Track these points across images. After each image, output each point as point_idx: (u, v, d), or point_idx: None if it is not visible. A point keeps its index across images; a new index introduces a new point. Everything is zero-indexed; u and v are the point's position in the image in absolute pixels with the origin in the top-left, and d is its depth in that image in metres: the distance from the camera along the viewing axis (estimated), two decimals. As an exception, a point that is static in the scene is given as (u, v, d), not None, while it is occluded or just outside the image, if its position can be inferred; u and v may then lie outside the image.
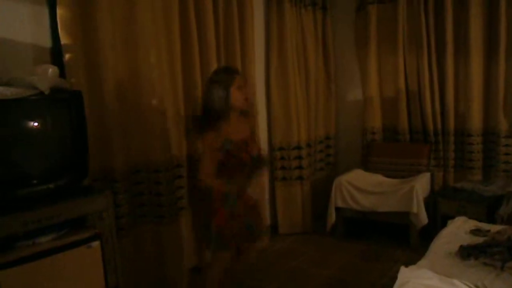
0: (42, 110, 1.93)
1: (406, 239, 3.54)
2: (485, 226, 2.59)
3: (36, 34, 2.25)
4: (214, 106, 2.23)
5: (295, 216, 4.03)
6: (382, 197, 3.58)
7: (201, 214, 2.42)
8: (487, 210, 3.33)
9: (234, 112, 2.29)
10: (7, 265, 1.67)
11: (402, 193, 3.49)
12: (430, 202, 3.73)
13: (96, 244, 1.96)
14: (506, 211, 3.12)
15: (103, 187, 2.37)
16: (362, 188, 3.69)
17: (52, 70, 1.99)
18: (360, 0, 4.30)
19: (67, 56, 2.27)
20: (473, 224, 2.65)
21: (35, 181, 1.85)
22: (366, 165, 4.23)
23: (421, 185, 3.58)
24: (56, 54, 2.29)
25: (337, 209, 3.78)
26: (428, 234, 3.16)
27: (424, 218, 3.44)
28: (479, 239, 2.31)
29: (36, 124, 1.92)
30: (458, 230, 2.55)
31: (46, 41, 2.29)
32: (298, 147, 4.00)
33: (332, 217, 3.77)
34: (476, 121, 3.83)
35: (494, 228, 2.52)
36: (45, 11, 2.28)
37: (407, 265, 2.03)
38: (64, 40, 2.26)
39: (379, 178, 4.01)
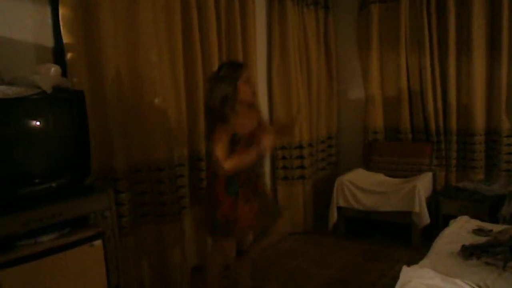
0: (44, 109, 1.94)
1: (408, 239, 3.54)
2: (487, 225, 2.59)
3: (38, 34, 2.25)
4: (222, 103, 2.20)
5: (296, 215, 4.03)
6: (384, 197, 3.57)
7: (207, 203, 2.44)
8: (489, 209, 3.33)
9: (242, 106, 2.29)
10: (9, 264, 1.67)
11: (404, 192, 3.48)
12: (432, 202, 3.72)
13: (98, 242, 1.96)
14: (509, 210, 3.11)
15: (105, 186, 2.38)
16: (364, 188, 3.68)
17: (54, 69, 1.99)
18: (362, -1, 4.29)
19: (69, 56, 2.28)
20: (475, 223, 2.64)
21: (37, 180, 1.85)
22: (368, 165, 4.23)
23: (423, 184, 3.57)
24: (58, 53, 2.29)
25: (339, 209, 3.77)
26: (430, 233, 3.16)
27: (426, 218, 3.44)
28: (481, 239, 2.31)
29: (38, 123, 1.92)
30: (460, 230, 2.54)
31: (48, 41, 2.29)
32: (300, 147, 4.00)
33: (333, 216, 3.77)
34: (478, 121, 3.82)
35: (497, 227, 2.51)
36: (47, 11, 2.28)
37: (409, 264, 2.02)
38: (66, 39, 2.26)
39: (381, 177, 4.01)
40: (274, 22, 3.82)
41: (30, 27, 2.22)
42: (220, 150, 2.17)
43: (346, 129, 4.67)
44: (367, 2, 4.22)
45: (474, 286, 1.81)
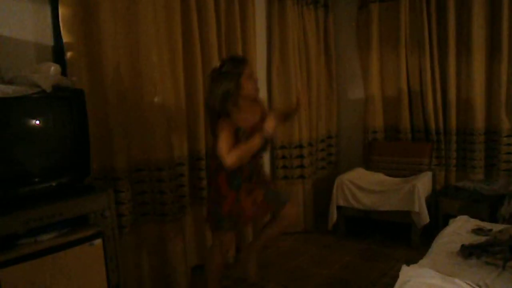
0: (44, 108, 1.93)
1: (408, 238, 3.54)
2: (487, 225, 2.59)
3: (38, 33, 2.25)
4: (224, 99, 2.21)
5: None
6: (383, 196, 3.58)
7: (210, 199, 2.46)
8: (489, 209, 3.33)
9: (245, 101, 2.29)
10: (9, 263, 1.68)
11: (403, 192, 3.48)
12: (432, 201, 3.72)
13: (98, 242, 1.97)
14: (508, 210, 3.11)
15: (105, 185, 2.38)
16: (364, 187, 3.69)
17: (54, 68, 1.98)
18: (362, -2, 4.29)
19: (69, 55, 2.28)
20: (474, 223, 2.64)
21: (36, 179, 1.85)
22: (368, 164, 4.23)
23: (423, 184, 3.57)
24: (58, 52, 2.29)
25: (339, 208, 3.78)
26: (430, 233, 3.16)
27: (425, 217, 3.44)
28: (481, 238, 2.31)
29: (38, 122, 1.92)
30: (460, 230, 2.54)
31: (48, 40, 2.29)
32: (300, 146, 4.00)
33: (333, 216, 3.77)
34: (478, 120, 3.82)
35: (496, 227, 2.51)
36: (47, 10, 2.28)
37: (408, 264, 2.02)
38: (66, 38, 2.26)
39: (380, 177, 4.01)
40: (274, 22, 3.82)
41: (30, 26, 2.22)
42: (225, 142, 2.18)
43: (346, 129, 4.68)
44: (367, 1, 4.22)
45: (474, 285, 1.81)
